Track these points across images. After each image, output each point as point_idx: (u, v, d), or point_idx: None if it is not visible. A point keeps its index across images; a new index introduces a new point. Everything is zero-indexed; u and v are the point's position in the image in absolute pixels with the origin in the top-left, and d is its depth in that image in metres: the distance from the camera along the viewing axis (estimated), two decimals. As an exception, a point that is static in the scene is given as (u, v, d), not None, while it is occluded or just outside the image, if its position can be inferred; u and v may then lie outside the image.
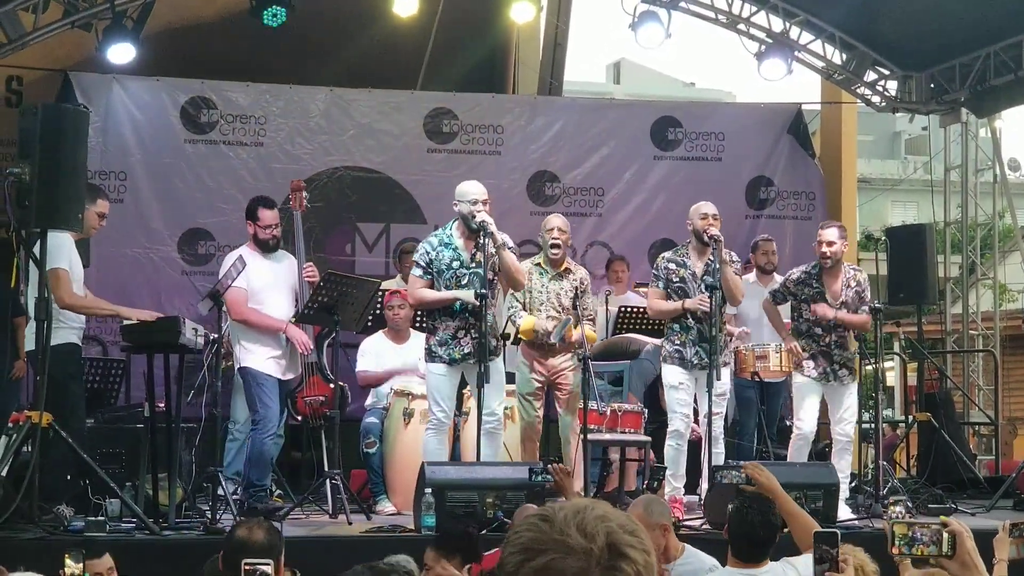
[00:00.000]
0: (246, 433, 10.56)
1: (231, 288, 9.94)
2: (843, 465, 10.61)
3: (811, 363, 10.72)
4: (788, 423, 11.53)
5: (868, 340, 11.64)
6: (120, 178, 13.39)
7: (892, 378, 21.33)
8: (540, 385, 10.77)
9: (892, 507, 9.82)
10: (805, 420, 10.73)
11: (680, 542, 7.47)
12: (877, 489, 10.81)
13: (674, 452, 10.40)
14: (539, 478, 8.91)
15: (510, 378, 10.80)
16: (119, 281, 12.75)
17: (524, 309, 10.72)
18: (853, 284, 10.81)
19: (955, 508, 10.98)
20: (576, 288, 10.87)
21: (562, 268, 10.87)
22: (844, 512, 10.20)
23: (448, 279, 9.93)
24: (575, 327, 10.64)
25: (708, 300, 10.28)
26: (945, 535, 3.86)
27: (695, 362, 10.36)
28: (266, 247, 10.61)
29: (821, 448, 12.50)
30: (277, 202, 11.07)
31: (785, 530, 6.74)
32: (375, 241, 14.30)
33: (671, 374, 10.46)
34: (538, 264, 10.86)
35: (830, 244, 10.73)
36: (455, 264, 9.93)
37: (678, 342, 10.46)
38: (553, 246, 10.81)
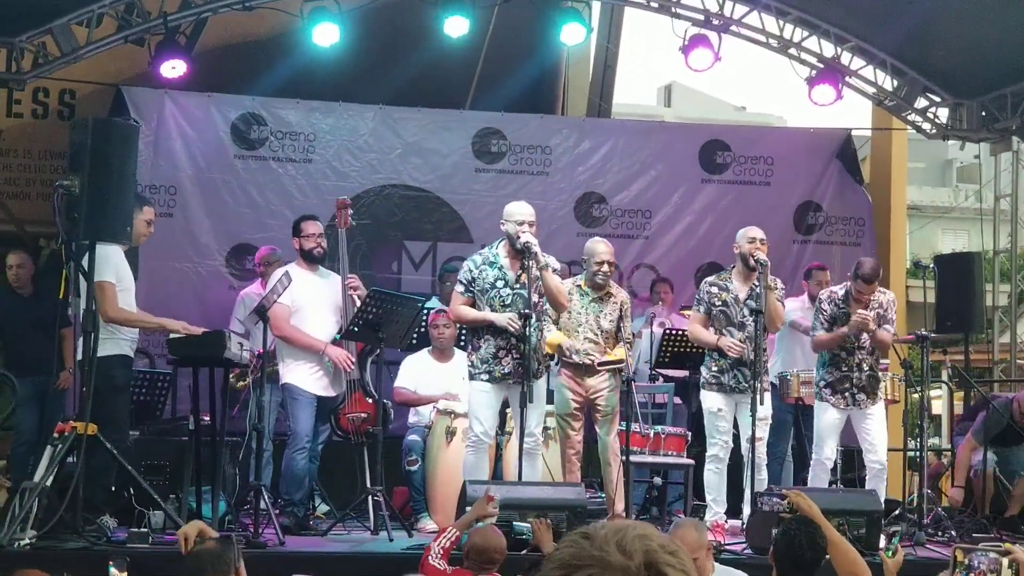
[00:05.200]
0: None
1: (275, 304, 9.98)
2: (879, 491, 10.55)
3: (828, 390, 10.67)
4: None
5: (915, 368, 11.57)
6: (170, 192, 13.47)
7: (939, 406, 21.19)
8: (579, 406, 10.73)
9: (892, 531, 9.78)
10: (824, 447, 10.68)
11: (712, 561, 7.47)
12: (920, 517, 10.75)
13: (714, 477, 10.40)
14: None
15: (551, 398, 10.80)
16: (167, 294, 12.81)
17: (556, 324, 10.68)
18: (876, 305, 10.74)
19: (1000, 538, 10.88)
20: (619, 311, 10.84)
21: (603, 292, 10.86)
22: (882, 540, 10.14)
23: (492, 298, 9.94)
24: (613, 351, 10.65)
25: (742, 347, 10.29)
26: (1005, 563, 3.83)
27: (732, 386, 10.35)
28: (313, 258, 10.67)
29: (863, 476, 12.45)
30: (323, 219, 11.14)
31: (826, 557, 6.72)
32: (422, 259, 14.31)
33: (710, 400, 10.47)
34: (579, 285, 10.84)
35: (868, 300, 10.65)
36: (499, 283, 9.96)
37: (716, 368, 10.45)
38: (603, 275, 10.77)
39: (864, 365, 10.64)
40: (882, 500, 10.66)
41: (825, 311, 10.79)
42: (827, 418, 10.66)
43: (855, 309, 10.63)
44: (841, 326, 10.62)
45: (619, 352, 10.71)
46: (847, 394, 10.61)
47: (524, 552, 8.61)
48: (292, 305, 10.43)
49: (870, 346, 10.68)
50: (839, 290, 10.87)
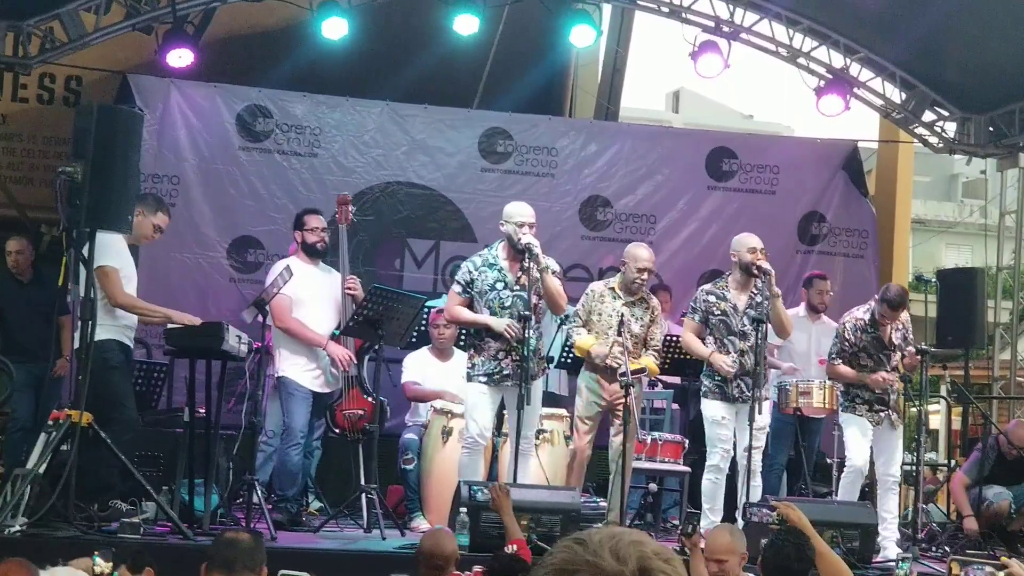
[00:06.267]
0: (276, 444, 10.64)
1: (277, 296, 9.96)
2: (891, 505, 10.64)
3: (864, 407, 10.70)
4: (829, 461, 11.46)
5: (914, 382, 11.56)
6: (173, 182, 13.43)
7: (937, 421, 21.17)
8: (600, 410, 10.64)
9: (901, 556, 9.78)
10: (856, 454, 10.67)
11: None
12: (915, 532, 10.74)
13: (712, 486, 10.36)
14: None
15: (549, 400, 10.75)
16: (167, 285, 12.78)
17: (585, 326, 10.61)
18: (900, 327, 10.77)
19: (992, 554, 10.86)
20: (651, 317, 10.75)
21: (637, 297, 10.75)
22: (895, 551, 10.16)
23: (491, 300, 9.91)
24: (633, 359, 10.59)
25: (733, 368, 10.26)
26: (1000, 577, 3.80)
27: (736, 395, 10.31)
28: (314, 252, 10.66)
29: (862, 487, 12.43)
30: (326, 214, 11.13)
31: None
32: (424, 257, 14.28)
33: (712, 408, 10.42)
34: (612, 288, 10.74)
35: (894, 319, 10.69)
36: (499, 285, 9.92)
37: (718, 377, 10.40)
38: (641, 281, 10.68)
39: (893, 387, 10.71)
40: (896, 512, 10.68)
41: (848, 339, 10.78)
42: (859, 432, 10.70)
43: (883, 330, 10.64)
44: (868, 354, 10.63)
45: (645, 360, 10.65)
46: (882, 414, 10.68)
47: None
48: (294, 296, 10.41)
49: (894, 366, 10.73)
50: (863, 315, 10.83)
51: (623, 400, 10.24)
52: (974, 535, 11.65)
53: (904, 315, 10.90)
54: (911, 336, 10.92)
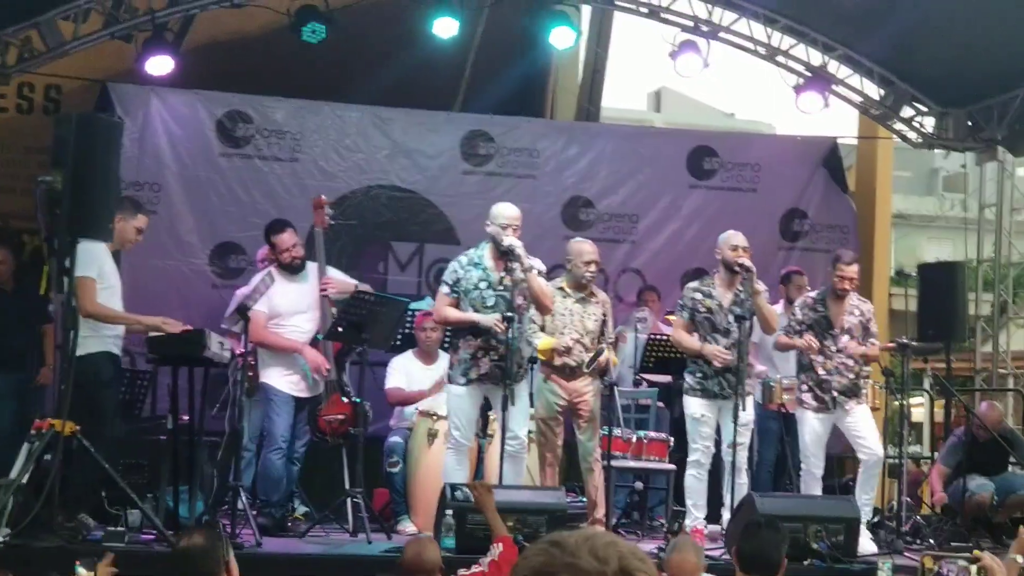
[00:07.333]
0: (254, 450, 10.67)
1: (252, 311, 9.96)
2: (868, 487, 10.58)
3: (809, 395, 10.69)
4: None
5: (896, 375, 11.58)
6: (154, 190, 13.40)
7: (920, 414, 21.23)
8: (561, 409, 10.72)
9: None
10: (811, 456, 10.67)
11: None
12: (899, 525, 10.77)
13: (695, 483, 10.39)
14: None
15: (533, 401, 10.78)
16: (149, 292, 12.71)
17: (543, 330, 10.66)
18: (857, 313, 10.77)
19: (976, 546, 10.89)
20: (603, 311, 10.85)
21: (587, 292, 10.84)
22: (867, 544, 10.17)
23: (475, 299, 9.93)
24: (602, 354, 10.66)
25: (728, 356, 10.29)
26: (974, 570, 3.82)
27: (717, 392, 10.34)
28: (290, 269, 10.67)
29: (845, 482, 12.47)
30: (303, 221, 11.13)
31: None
32: (408, 261, 14.28)
33: (693, 406, 10.46)
34: (561, 288, 10.81)
35: (852, 280, 10.72)
36: (483, 285, 9.95)
37: (700, 375, 10.45)
38: (590, 274, 10.77)
39: (844, 371, 10.63)
40: (872, 503, 10.66)
41: (796, 315, 10.84)
42: (809, 430, 10.65)
43: (834, 311, 10.65)
44: (814, 332, 10.64)
45: (612, 358, 10.73)
46: (827, 397, 10.61)
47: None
48: (269, 311, 10.44)
49: (848, 354, 10.68)
50: (815, 294, 10.92)
51: (585, 396, 10.46)
52: (941, 502, 11.63)
53: (867, 306, 10.92)
54: (874, 328, 10.92)
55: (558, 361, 10.60)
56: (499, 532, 7.78)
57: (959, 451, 12.23)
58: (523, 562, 2.58)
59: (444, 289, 10.14)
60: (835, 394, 10.61)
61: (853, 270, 10.77)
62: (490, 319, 9.82)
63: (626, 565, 2.54)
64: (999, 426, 12.57)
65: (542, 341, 10.57)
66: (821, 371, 10.62)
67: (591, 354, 10.60)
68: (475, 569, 7.38)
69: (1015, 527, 8.60)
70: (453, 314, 10.12)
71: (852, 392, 10.63)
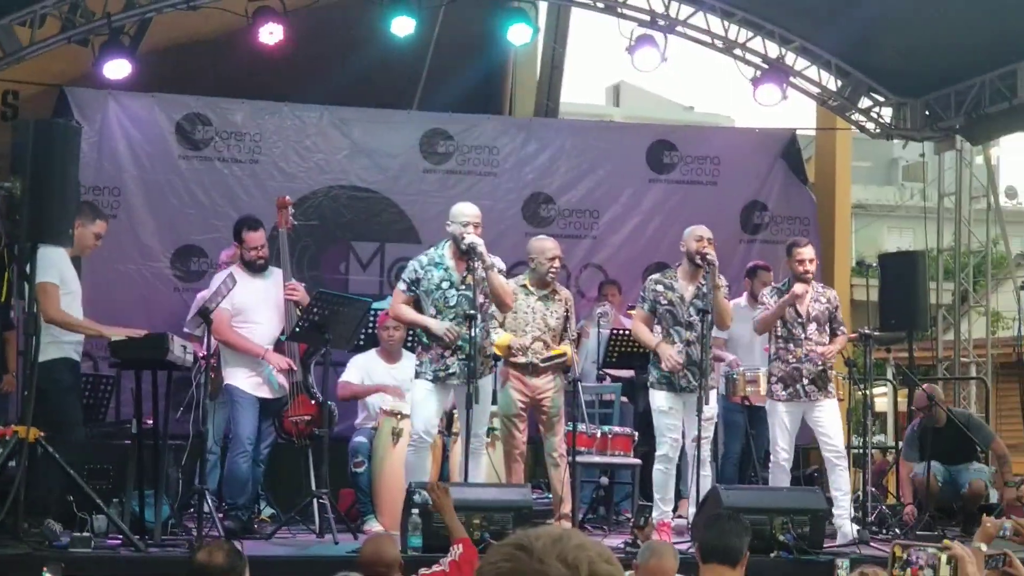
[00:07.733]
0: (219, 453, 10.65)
1: (217, 309, 9.94)
2: (840, 482, 10.55)
3: (779, 386, 10.72)
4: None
5: (859, 365, 11.62)
6: (114, 194, 13.36)
7: (883, 404, 21.31)
8: (524, 406, 10.72)
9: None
10: (780, 446, 10.69)
11: None
12: (865, 515, 10.80)
13: (662, 476, 10.38)
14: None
15: (496, 398, 10.79)
16: (111, 297, 12.69)
17: (502, 327, 10.66)
18: (823, 300, 10.81)
19: (943, 535, 10.94)
20: (565, 308, 10.86)
21: (549, 289, 10.85)
22: (851, 531, 10.20)
23: (437, 300, 9.92)
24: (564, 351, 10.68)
25: (678, 361, 10.28)
26: (944, 559, 3.82)
27: (683, 385, 10.34)
28: (254, 268, 10.67)
29: (810, 473, 12.51)
30: (264, 222, 11.11)
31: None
32: (369, 260, 14.26)
33: (659, 399, 10.44)
34: (523, 285, 10.81)
35: (812, 261, 10.78)
36: (445, 285, 9.93)
37: (666, 368, 10.45)
38: (555, 270, 10.78)
39: (813, 358, 10.65)
40: (849, 490, 10.66)
41: (764, 302, 10.88)
42: (779, 420, 10.68)
43: (803, 271, 10.75)
44: (780, 321, 10.70)
45: (563, 347, 10.73)
46: (797, 387, 10.63)
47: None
48: (233, 309, 10.42)
49: (816, 342, 10.71)
50: (780, 284, 10.98)
51: (548, 393, 10.51)
52: (911, 519, 11.64)
53: (832, 293, 10.98)
54: (840, 316, 10.97)
55: (522, 359, 10.61)
56: (458, 534, 7.79)
57: (916, 442, 12.23)
58: (489, 567, 2.53)
59: (401, 286, 10.13)
60: (805, 383, 10.63)
61: (809, 251, 10.83)
62: (441, 327, 9.79)
63: (596, 571, 2.50)
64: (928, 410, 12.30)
65: (499, 337, 10.57)
66: (792, 359, 10.64)
67: (551, 352, 10.61)
68: (436, 568, 7.39)
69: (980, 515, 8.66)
70: (407, 314, 10.12)
71: (821, 383, 10.65)
